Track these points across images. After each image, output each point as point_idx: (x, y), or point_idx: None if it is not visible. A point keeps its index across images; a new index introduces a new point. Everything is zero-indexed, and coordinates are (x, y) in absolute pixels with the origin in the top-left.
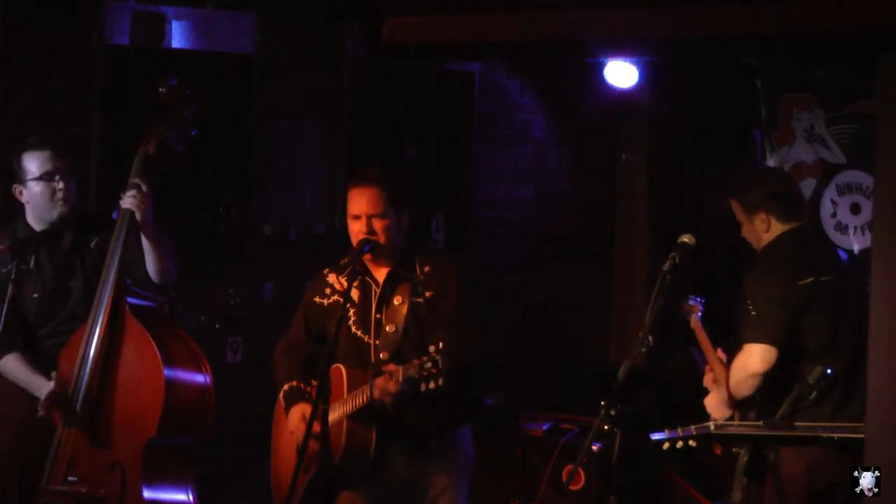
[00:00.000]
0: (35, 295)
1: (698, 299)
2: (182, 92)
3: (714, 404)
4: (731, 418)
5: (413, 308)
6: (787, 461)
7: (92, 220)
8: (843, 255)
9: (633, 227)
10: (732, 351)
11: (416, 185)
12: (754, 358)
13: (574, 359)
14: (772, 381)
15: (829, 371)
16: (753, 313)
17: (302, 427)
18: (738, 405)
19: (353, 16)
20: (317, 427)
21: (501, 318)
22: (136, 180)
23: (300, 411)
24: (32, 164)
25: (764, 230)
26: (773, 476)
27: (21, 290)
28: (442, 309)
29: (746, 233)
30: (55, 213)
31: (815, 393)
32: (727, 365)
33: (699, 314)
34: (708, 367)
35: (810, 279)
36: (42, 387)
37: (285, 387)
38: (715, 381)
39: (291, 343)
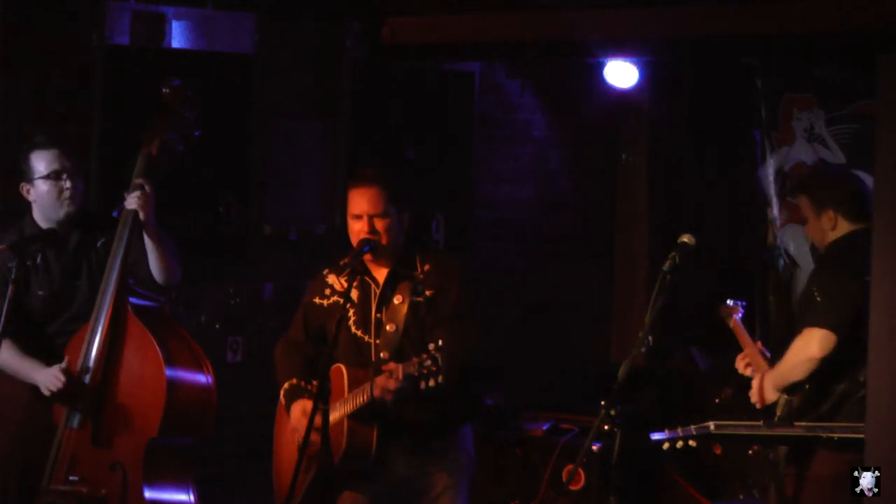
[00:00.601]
0: (41, 293)
1: (739, 302)
2: (184, 92)
3: (764, 387)
4: (775, 404)
5: (413, 307)
6: (826, 462)
7: (98, 220)
8: None
9: (633, 227)
10: (776, 346)
11: (416, 185)
12: (815, 342)
13: (574, 359)
14: (824, 372)
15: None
16: (819, 300)
17: (304, 423)
18: (788, 390)
19: (353, 16)
20: (318, 425)
21: (501, 318)
22: (140, 181)
23: (301, 407)
24: (40, 162)
25: (830, 228)
26: (812, 477)
27: (27, 288)
28: (442, 308)
29: (811, 229)
30: (62, 213)
31: (862, 391)
32: (773, 354)
33: (739, 315)
34: (741, 355)
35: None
36: (33, 370)
37: (286, 385)
38: (750, 365)
39: (291, 343)
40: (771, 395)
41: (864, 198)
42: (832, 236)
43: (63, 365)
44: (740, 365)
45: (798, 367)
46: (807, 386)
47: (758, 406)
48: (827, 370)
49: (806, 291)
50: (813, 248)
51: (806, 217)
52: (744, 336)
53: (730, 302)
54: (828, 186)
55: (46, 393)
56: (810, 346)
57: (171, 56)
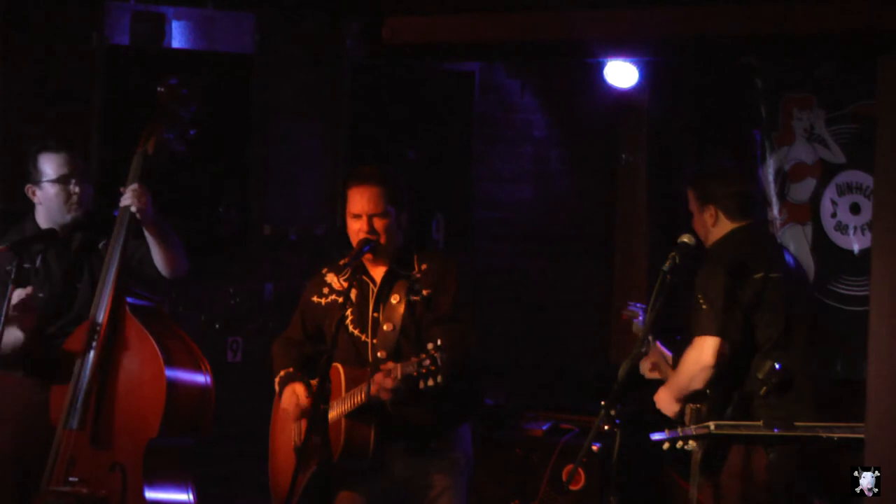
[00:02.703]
0: (41, 295)
1: (639, 305)
2: (179, 91)
3: (664, 400)
4: (681, 413)
5: (410, 306)
6: (746, 458)
7: (101, 222)
8: (788, 256)
9: (633, 227)
10: (679, 347)
11: (416, 185)
12: (706, 351)
13: (574, 359)
14: (723, 376)
15: (777, 366)
16: (704, 307)
17: (294, 402)
18: (689, 399)
19: (353, 16)
20: (315, 425)
21: (501, 317)
22: (134, 179)
23: (292, 389)
24: (49, 166)
25: (712, 224)
26: (734, 472)
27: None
28: (439, 307)
29: (695, 223)
30: (68, 217)
31: (764, 388)
32: (675, 360)
33: (639, 319)
34: (645, 358)
35: (760, 274)
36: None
37: (281, 373)
38: (655, 369)
39: (288, 341)
40: (674, 407)
41: (747, 198)
42: (714, 233)
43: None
44: (645, 367)
45: (695, 378)
46: (708, 392)
47: (670, 415)
48: (725, 374)
49: (693, 296)
50: (816, 249)
51: (691, 211)
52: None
53: (630, 306)
54: (712, 182)
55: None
56: (703, 355)
57: (171, 56)
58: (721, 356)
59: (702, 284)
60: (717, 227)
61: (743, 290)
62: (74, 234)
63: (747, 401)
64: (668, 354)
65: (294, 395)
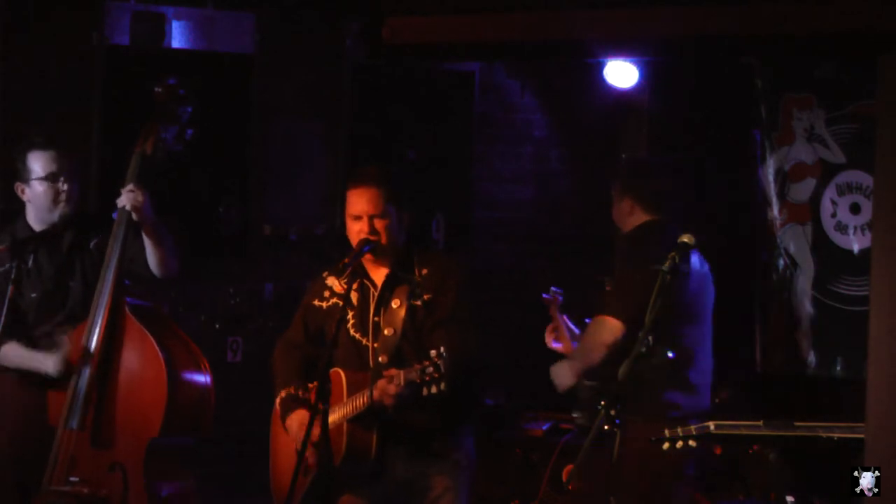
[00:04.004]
0: (34, 294)
1: (558, 290)
2: (177, 91)
3: (561, 373)
4: (575, 388)
5: (411, 311)
6: (633, 440)
7: (91, 221)
8: (695, 256)
9: None
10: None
11: (416, 185)
12: (605, 329)
13: None
14: (619, 358)
15: (670, 354)
16: (608, 288)
17: (302, 433)
18: (586, 376)
19: (353, 16)
20: (317, 430)
21: (501, 318)
22: (132, 179)
23: (298, 420)
24: (37, 163)
25: (627, 213)
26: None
27: (20, 290)
28: (440, 311)
29: (614, 213)
30: (56, 214)
31: (655, 374)
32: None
33: (559, 301)
34: (549, 327)
35: (664, 266)
36: (43, 360)
37: (282, 394)
38: (555, 338)
39: (290, 344)
40: (568, 381)
41: (662, 194)
42: (630, 222)
43: (66, 349)
44: (549, 338)
45: (591, 352)
46: (604, 372)
47: (559, 390)
48: (621, 357)
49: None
50: (816, 249)
51: (613, 200)
52: (555, 314)
53: (553, 290)
54: (631, 176)
55: (55, 375)
56: (600, 332)
57: (171, 56)
58: (618, 337)
59: (614, 268)
60: (632, 217)
61: (647, 277)
62: (65, 232)
63: (640, 384)
64: (577, 332)
65: (301, 426)
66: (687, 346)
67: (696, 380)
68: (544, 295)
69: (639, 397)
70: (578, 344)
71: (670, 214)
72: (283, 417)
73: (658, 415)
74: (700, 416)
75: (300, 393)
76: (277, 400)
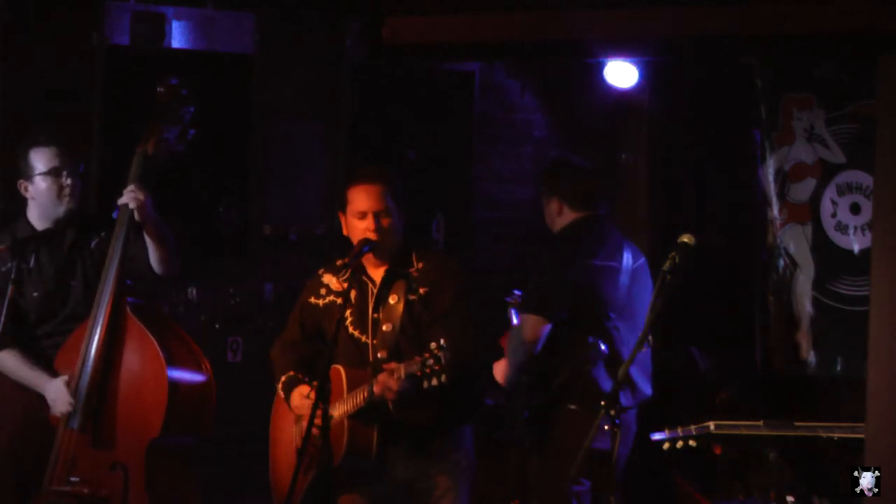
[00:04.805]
0: (35, 294)
1: (518, 293)
2: (179, 91)
3: (497, 370)
4: (514, 383)
5: (408, 305)
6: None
7: (92, 220)
8: (628, 250)
9: (633, 227)
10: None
11: (416, 185)
12: (526, 327)
13: None
14: (552, 351)
15: (603, 348)
16: (530, 287)
17: (306, 405)
18: (520, 371)
19: (353, 16)
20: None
21: (501, 318)
22: (134, 179)
23: (300, 393)
24: (39, 160)
25: (556, 214)
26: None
27: (21, 289)
28: (437, 306)
29: (545, 214)
30: (61, 210)
31: (589, 366)
32: None
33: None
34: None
35: (594, 261)
36: (44, 383)
37: (283, 378)
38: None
39: (287, 342)
40: (501, 377)
41: (589, 192)
42: (560, 222)
43: (66, 379)
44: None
45: (516, 350)
46: (538, 366)
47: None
48: (554, 349)
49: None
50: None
51: (543, 204)
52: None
53: (515, 293)
54: (557, 177)
55: (57, 413)
56: (523, 330)
57: (171, 56)
58: (538, 333)
59: (541, 266)
60: (561, 216)
61: (573, 272)
62: (67, 231)
63: (576, 377)
64: None
65: (305, 398)
66: (621, 339)
67: (632, 371)
68: (507, 298)
69: (576, 387)
70: (507, 344)
71: (599, 210)
72: (287, 395)
73: (596, 404)
74: (640, 406)
75: (300, 376)
76: (279, 385)
